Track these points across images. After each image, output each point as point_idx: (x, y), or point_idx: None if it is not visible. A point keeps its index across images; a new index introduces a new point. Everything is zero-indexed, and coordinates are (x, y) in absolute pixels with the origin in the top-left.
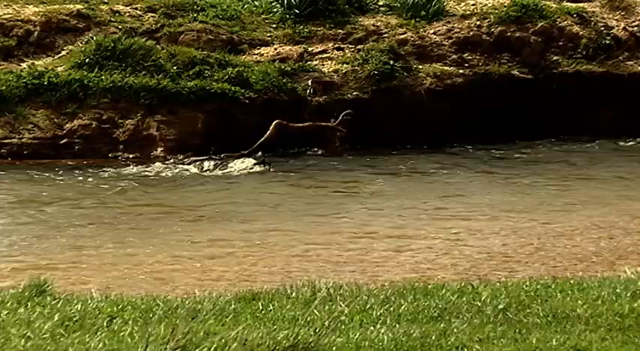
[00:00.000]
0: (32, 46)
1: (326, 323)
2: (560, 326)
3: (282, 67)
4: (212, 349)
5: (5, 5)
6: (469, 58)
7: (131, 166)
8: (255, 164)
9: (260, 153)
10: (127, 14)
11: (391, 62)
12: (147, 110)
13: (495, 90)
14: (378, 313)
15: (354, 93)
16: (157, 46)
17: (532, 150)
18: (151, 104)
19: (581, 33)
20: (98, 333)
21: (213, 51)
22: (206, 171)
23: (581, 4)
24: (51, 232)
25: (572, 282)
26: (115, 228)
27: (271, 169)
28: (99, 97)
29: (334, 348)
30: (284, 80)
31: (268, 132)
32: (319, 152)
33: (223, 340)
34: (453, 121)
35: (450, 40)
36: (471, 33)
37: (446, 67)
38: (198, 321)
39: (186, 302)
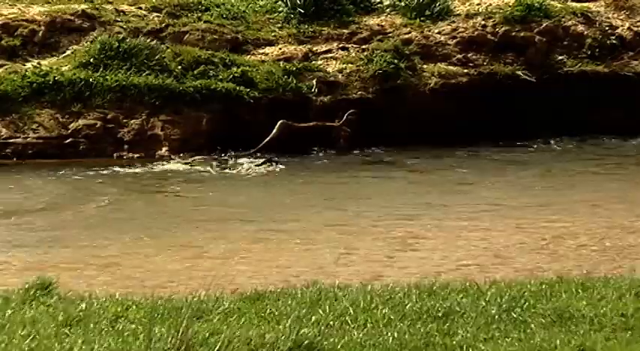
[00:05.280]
0: (37, 45)
1: (331, 323)
2: (565, 326)
3: (287, 66)
4: (216, 348)
5: (10, 5)
6: (474, 57)
7: (135, 166)
8: (260, 164)
9: (265, 153)
10: (132, 14)
11: (396, 62)
12: (151, 110)
13: (500, 90)
14: (383, 313)
15: (359, 93)
16: (162, 45)
17: (537, 149)
18: (156, 104)
19: (585, 33)
20: (103, 333)
21: (218, 51)
22: (210, 171)
23: (585, 4)
24: (56, 231)
25: (576, 282)
26: (119, 228)
27: (277, 169)
28: (104, 96)
29: (339, 347)
30: (288, 80)
31: (273, 132)
32: (324, 152)
33: (228, 340)
34: (458, 121)
35: (455, 40)
36: (476, 33)
37: (450, 67)
38: (202, 320)
39: (191, 302)
